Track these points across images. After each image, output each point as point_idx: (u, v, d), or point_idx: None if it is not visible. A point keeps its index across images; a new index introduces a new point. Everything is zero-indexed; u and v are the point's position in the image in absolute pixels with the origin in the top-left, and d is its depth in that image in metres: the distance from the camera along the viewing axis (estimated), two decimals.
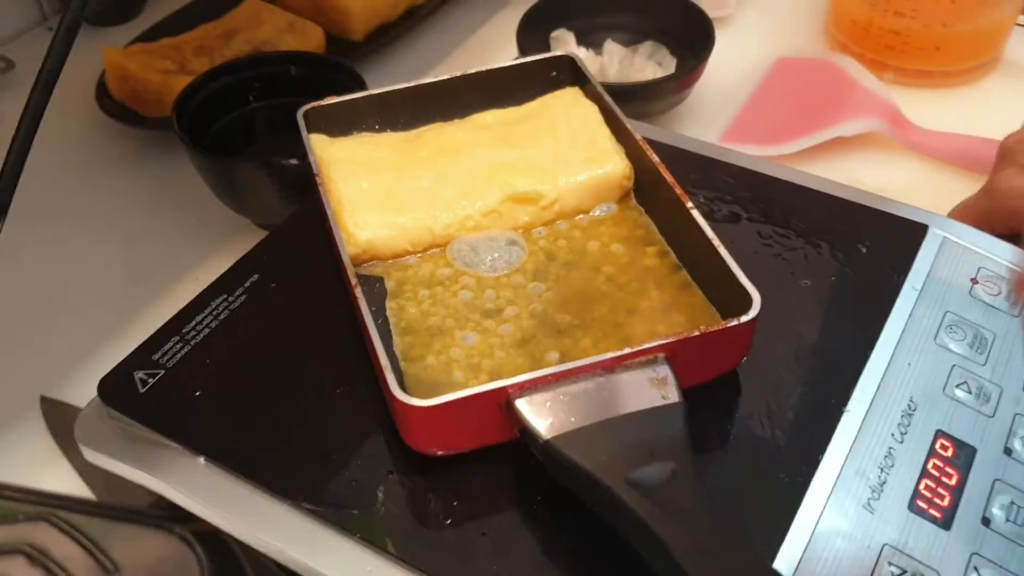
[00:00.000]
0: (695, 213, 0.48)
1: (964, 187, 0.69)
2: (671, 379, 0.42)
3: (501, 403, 0.42)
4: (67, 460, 0.54)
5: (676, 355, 0.43)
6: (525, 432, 0.41)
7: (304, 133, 0.55)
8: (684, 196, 0.49)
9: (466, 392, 0.41)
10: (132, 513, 0.21)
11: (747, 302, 0.44)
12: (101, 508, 0.21)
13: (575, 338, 0.48)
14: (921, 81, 0.78)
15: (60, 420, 0.57)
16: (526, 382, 0.41)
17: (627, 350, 0.42)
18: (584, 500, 0.40)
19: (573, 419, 0.41)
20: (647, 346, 0.42)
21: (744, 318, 0.43)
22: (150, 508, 0.22)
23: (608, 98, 0.56)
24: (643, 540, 0.37)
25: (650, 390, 0.42)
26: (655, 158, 0.52)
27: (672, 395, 0.41)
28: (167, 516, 0.21)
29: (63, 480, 0.54)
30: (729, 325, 0.43)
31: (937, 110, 0.76)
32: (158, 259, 0.69)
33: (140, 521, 0.21)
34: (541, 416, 0.41)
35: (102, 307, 0.66)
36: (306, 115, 0.56)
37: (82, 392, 0.49)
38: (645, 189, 0.54)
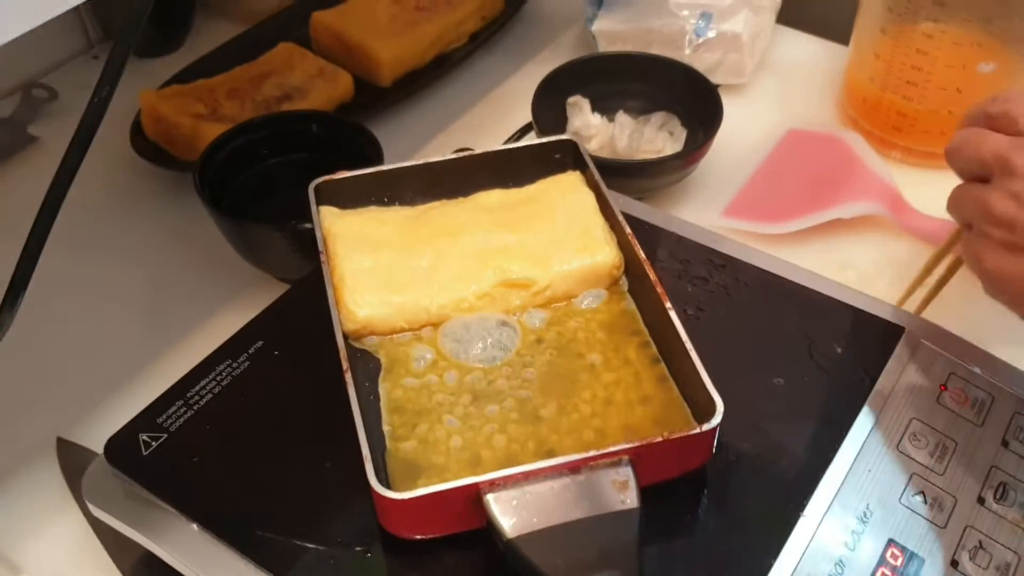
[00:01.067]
0: (672, 314, 0.51)
1: (959, 275, 0.71)
2: (632, 482, 0.44)
3: (472, 496, 0.45)
4: (76, 504, 0.58)
5: (639, 458, 0.45)
6: (491, 526, 0.44)
7: (313, 208, 0.58)
8: (664, 296, 0.52)
9: (439, 487, 0.44)
10: None
11: (712, 409, 0.46)
12: None
13: (553, 427, 0.50)
14: (927, 162, 0.79)
15: (73, 463, 0.60)
16: (496, 480, 0.44)
17: (592, 452, 0.45)
18: None
19: (536, 520, 0.43)
20: (612, 449, 0.45)
21: (705, 427, 0.46)
22: None
23: (604, 187, 0.59)
24: None
25: (611, 493, 0.44)
26: (641, 255, 0.54)
27: (630, 500, 0.44)
28: None
29: (71, 523, 0.58)
30: (690, 433, 0.46)
31: (942, 191, 0.77)
32: (178, 304, 0.73)
33: None
34: (507, 514, 0.44)
35: (123, 349, 0.69)
36: (317, 188, 0.59)
37: (98, 435, 0.53)
38: (633, 279, 0.57)
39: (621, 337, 0.55)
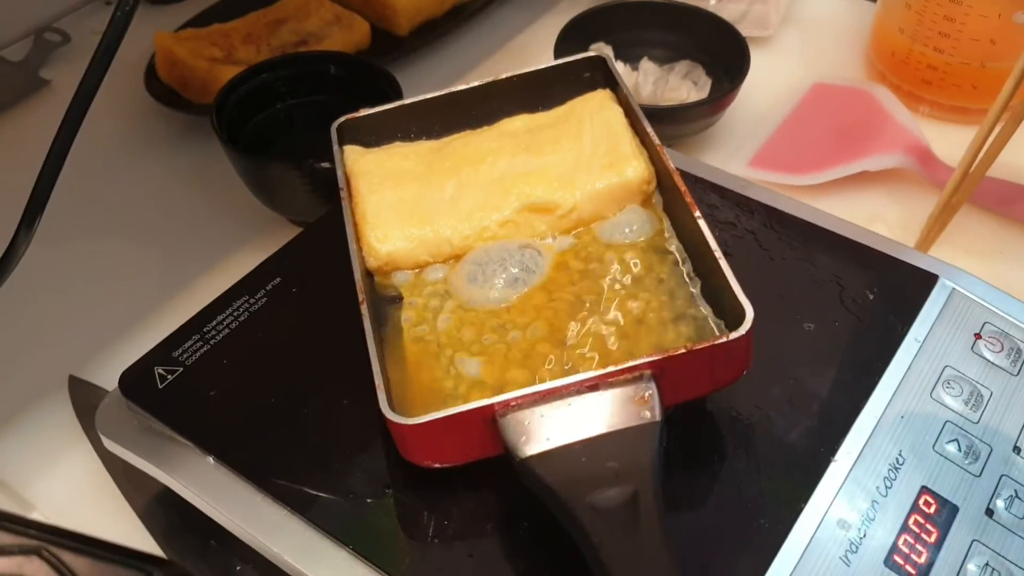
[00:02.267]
0: (701, 222, 0.48)
1: (987, 230, 0.70)
2: (655, 397, 0.42)
3: (488, 420, 0.43)
4: (88, 441, 0.57)
5: (663, 372, 0.43)
6: (506, 448, 0.42)
7: (335, 147, 0.57)
8: (693, 205, 0.49)
9: (451, 411, 0.42)
10: (115, 553, 0.23)
11: (741, 317, 0.44)
12: (88, 546, 0.23)
13: (580, 350, 0.48)
14: (956, 117, 0.78)
15: (85, 400, 0.59)
16: (511, 400, 0.42)
17: (611, 368, 0.43)
18: (558, 519, 0.41)
19: (550, 439, 0.42)
20: (631, 364, 0.43)
21: (733, 335, 0.43)
22: (131, 549, 0.24)
23: (634, 101, 0.56)
24: (597, 566, 0.39)
25: (632, 408, 0.42)
26: (671, 165, 0.52)
27: (652, 414, 0.42)
28: (145, 558, 0.23)
29: (83, 461, 0.57)
30: (716, 342, 0.43)
31: None
32: (191, 246, 0.72)
33: (120, 562, 0.23)
34: (521, 434, 0.42)
35: (135, 290, 0.68)
36: (340, 127, 0.58)
37: (109, 373, 0.52)
38: (666, 194, 0.54)
39: (654, 256, 0.52)
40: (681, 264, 0.52)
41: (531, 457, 0.42)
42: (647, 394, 0.42)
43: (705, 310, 0.49)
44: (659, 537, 0.39)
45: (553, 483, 0.41)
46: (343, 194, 0.54)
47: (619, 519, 0.39)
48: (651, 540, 0.39)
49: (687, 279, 0.51)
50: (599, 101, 0.58)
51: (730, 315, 0.46)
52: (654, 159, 0.55)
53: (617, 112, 0.57)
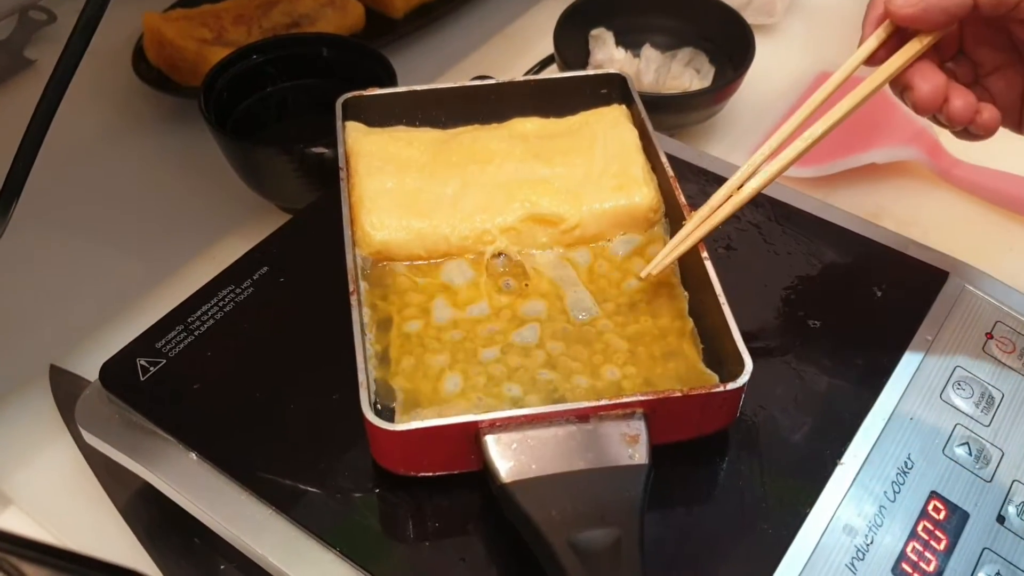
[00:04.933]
0: (708, 265, 0.47)
1: (997, 225, 0.68)
2: (643, 437, 0.41)
3: (471, 436, 0.41)
4: (69, 433, 0.56)
5: (654, 412, 0.42)
6: (487, 469, 0.41)
7: (339, 123, 0.55)
8: (702, 246, 0.48)
9: (436, 422, 0.41)
10: (78, 564, 0.22)
11: (739, 368, 0.43)
12: (50, 556, 0.21)
13: (565, 373, 0.47)
14: None
15: (66, 391, 0.58)
16: (497, 420, 0.41)
17: (603, 401, 0.42)
18: (532, 550, 0.39)
19: (534, 466, 0.40)
20: (624, 400, 0.42)
21: (730, 386, 0.42)
22: (96, 560, 0.22)
23: (650, 126, 0.55)
24: None
25: (620, 447, 0.41)
26: (682, 199, 0.51)
27: (640, 456, 0.41)
28: (110, 569, 0.22)
29: (63, 454, 0.55)
30: (713, 390, 0.42)
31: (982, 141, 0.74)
32: (177, 233, 0.70)
33: (83, 573, 0.21)
34: (505, 457, 0.41)
35: (120, 277, 0.66)
36: (345, 103, 0.56)
37: (92, 363, 0.50)
38: (674, 226, 0.53)
39: (651, 287, 0.51)
40: (679, 299, 0.50)
41: (514, 484, 0.40)
42: (636, 433, 0.41)
43: (695, 351, 0.48)
44: None
45: (534, 514, 0.39)
46: (342, 174, 0.52)
47: (600, 564, 0.38)
48: None
49: (683, 315, 0.49)
50: (614, 118, 0.57)
51: (728, 360, 0.45)
52: (665, 189, 0.53)
53: (632, 133, 0.56)
